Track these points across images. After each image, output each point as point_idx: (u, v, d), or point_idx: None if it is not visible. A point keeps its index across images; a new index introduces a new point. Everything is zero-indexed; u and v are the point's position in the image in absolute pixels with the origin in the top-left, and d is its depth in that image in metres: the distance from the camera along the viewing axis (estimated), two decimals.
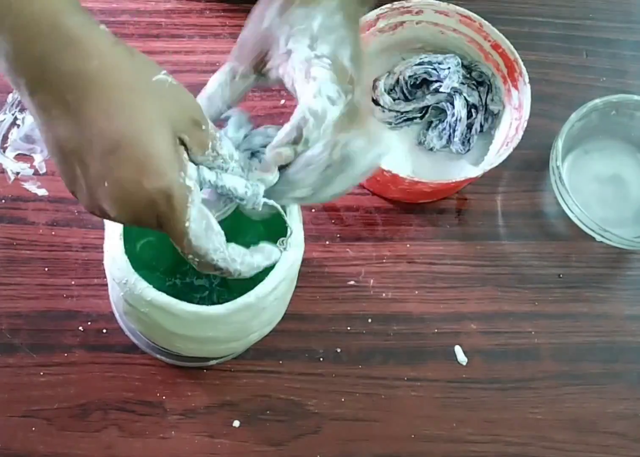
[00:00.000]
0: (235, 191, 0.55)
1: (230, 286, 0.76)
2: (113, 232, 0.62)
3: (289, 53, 0.58)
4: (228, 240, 0.76)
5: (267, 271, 0.62)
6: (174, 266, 0.76)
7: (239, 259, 0.55)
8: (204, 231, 0.52)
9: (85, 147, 0.49)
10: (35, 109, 0.50)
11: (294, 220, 0.62)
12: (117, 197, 0.50)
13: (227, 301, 0.61)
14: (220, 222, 0.55)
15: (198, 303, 0.60)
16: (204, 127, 0.53)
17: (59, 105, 0.49)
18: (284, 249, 0.61)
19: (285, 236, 0.62)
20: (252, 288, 0.62)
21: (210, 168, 0.54)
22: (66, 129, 0.49)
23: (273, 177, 0.57)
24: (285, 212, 0.60)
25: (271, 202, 0.57)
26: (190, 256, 0.53)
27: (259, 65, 0.60)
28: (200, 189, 0.53)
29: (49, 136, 0.51)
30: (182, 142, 0.52)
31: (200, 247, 0.52)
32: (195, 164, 0.53)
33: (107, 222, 0.62)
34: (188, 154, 0.52)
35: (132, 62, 0.51)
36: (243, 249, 0.56)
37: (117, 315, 0.77)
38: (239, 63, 0.60)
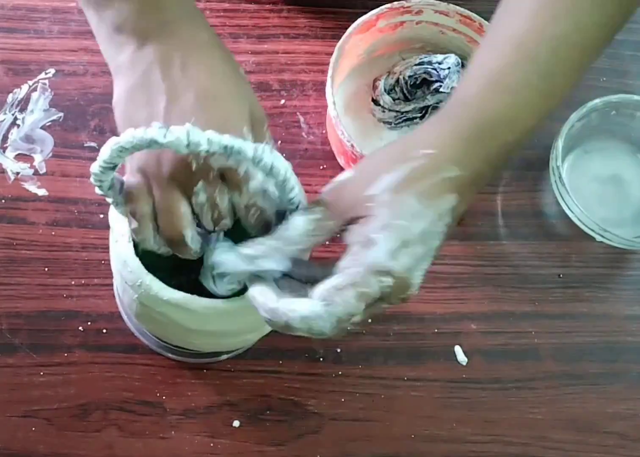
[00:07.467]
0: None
1: None
2: (121, 236, 0.61)
3: (370, 243, 0.53)
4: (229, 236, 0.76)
5: None
6: (177, 265, 0.76)
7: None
8: None
9: (180, 87, 0.55)
10: (131, 55, 0.57)
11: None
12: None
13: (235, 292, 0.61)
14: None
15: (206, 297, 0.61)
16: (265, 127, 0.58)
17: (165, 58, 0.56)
18: None
19: None
20: None
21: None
22: (164, 75, 0.56)
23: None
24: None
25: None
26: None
27: (347, 223, 0.56)
28: None
29: (134, 73, 0.56)
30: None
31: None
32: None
33: (113, 227, 0.62)
34: None
35: (225, 48, 0.61)
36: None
37: (125, 317, 0.77)
38: (332, 214, 0.56)
